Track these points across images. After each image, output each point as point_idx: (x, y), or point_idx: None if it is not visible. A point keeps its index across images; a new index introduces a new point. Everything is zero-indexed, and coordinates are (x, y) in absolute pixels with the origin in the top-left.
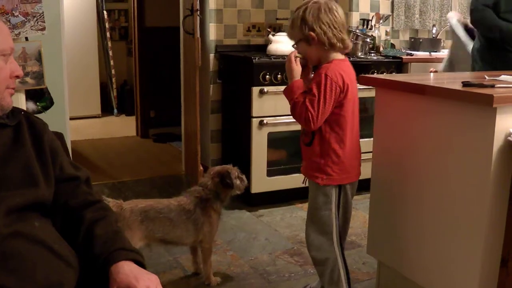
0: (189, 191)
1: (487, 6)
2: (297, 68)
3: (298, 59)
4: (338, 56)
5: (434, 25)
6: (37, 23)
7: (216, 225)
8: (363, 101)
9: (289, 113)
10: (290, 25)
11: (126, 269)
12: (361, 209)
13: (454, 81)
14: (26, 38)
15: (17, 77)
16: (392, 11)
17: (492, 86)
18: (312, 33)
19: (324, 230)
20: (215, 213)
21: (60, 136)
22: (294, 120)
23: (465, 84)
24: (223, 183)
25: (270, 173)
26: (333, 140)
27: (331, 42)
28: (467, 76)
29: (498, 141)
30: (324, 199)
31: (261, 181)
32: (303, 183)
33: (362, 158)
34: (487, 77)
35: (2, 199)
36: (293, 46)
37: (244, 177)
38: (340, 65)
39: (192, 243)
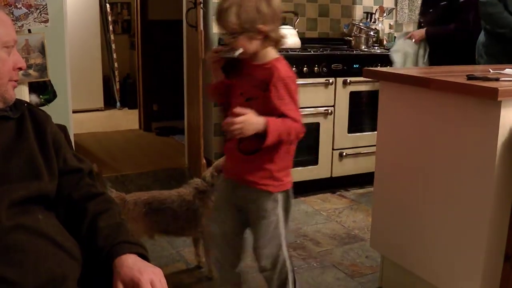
0: (189, 182)
1: (499, 1)
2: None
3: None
4: (275, 52)
5: None
6: (40, 15)
7: None
8: (366, 94)
9: None
10: (236, 14)
11: (130, 262)
12: (364, 202)
13: (458, 74)
14: (29, 30)
15: (20, 69)
16: (396, 5)
17: (497, 80)
18: (263, 28)
19: (272, 236)
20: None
21: (63, 129)
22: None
23: (470, 77)
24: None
25: None
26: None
27: (279, 40)
28: (472, 69)
29: (502, 134)
30: (273, 205)
31: None
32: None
33: (366, 151)
34: (491, 71)
35: (5, 192)
36: (230, 38)
37: None
38: (287, 63)
39: (194, 234)
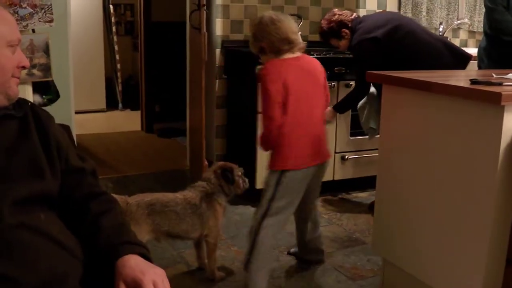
0: (194, 185)
1: (505, 8)
2: None
3: None
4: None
5: (441, 23)
6: (45, 15)
7: (221, 219)
8: None
9: None
10: None
11: (132, 262)
12: (365, 206)
13: (461, 78)
14: (33, 30)
15: (24, 67)
16: (399, 9)
17: (500, 84)
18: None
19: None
20: (220, 207)
21: (66, 128)
22: None
23: (473, 81)
24: (224, 176)
25: None
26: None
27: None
28: (475, 73)
29: (505, 139)
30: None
31: None
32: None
33: (368, 155)
34: (494, 75)
35: (9, 190)
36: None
37: (246, 180)
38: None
39: (198, 237)
